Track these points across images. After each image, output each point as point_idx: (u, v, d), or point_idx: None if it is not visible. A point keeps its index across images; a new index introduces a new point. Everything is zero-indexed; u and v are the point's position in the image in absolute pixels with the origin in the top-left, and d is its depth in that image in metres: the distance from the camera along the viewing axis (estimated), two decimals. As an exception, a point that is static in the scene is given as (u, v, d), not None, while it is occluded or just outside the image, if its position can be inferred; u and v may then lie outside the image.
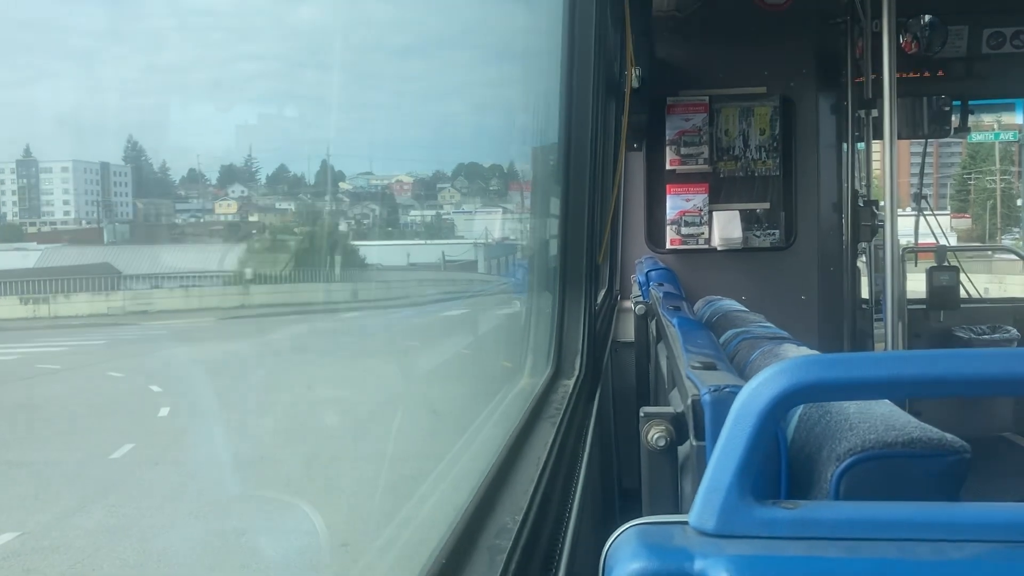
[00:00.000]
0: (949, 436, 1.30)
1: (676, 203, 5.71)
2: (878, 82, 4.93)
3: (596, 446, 2.69)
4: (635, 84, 3.79)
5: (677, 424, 1.64)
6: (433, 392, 2.64)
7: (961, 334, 5.89)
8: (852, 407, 1.43)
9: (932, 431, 1.31)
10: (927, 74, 5.60)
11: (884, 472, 1.29)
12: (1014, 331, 5.92)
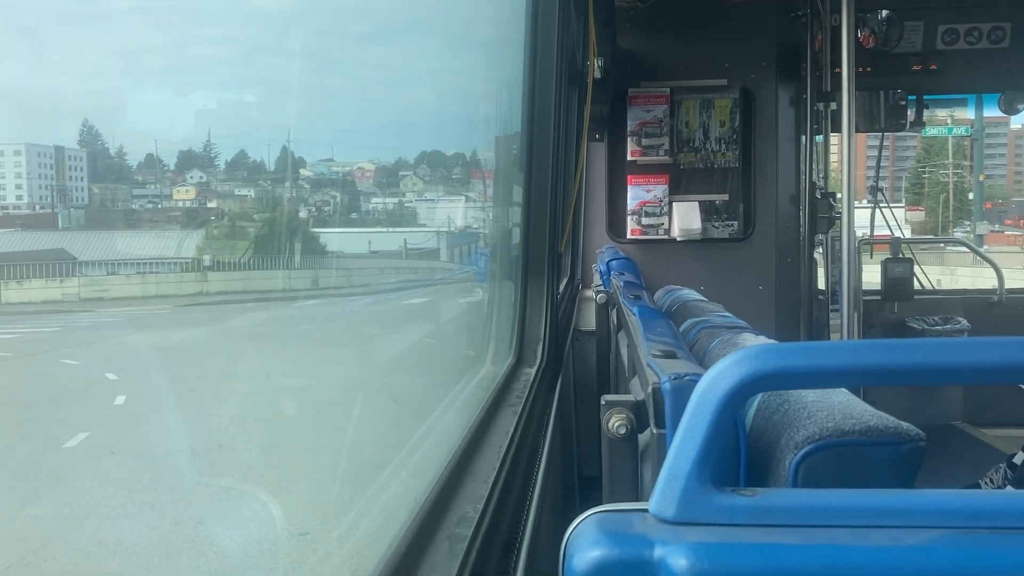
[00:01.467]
0: (904, 424, 1.33)
1: (637, 194, 5.74)
2: (837, 75, 4.99)
3: (557, 434, 2.71)
4: (597, 74, 3.80)
5: (637, 412, 1.65)
6: (394, 380, 2.64)
7: (914, 324, 6.00)
8: (810, 396, 1.45)
9: (888, 419, 1.34)
10: (885, 64, 5.68)
11: (841, 460, 1.32)
12: (964, 322, 6.04)
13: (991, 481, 4.68)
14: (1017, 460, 4.57)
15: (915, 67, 5.79)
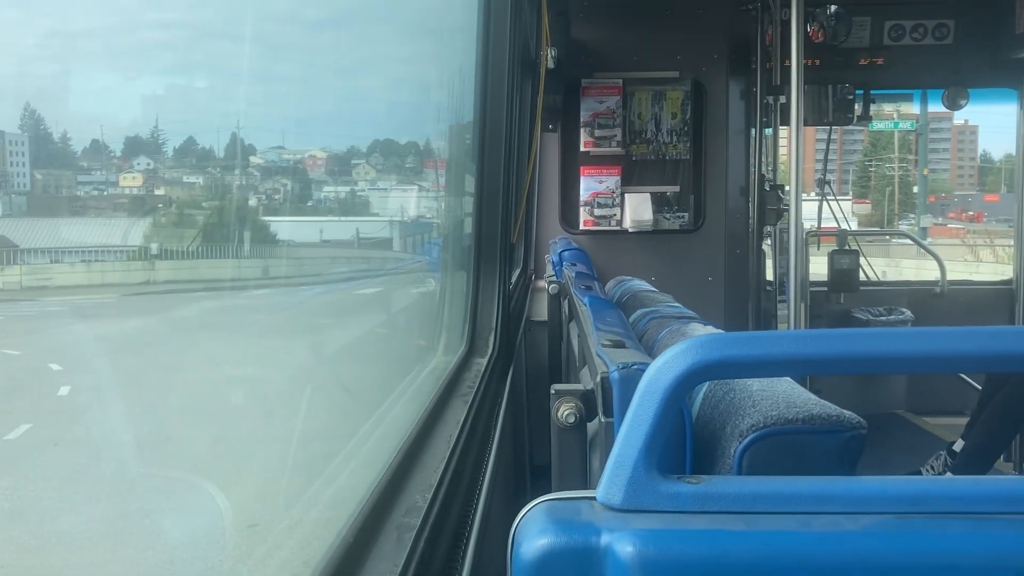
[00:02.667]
0: (847, 413, 1.35)
1: (590, 185, 5.77)
2: (786, 69, 5.05)
3: (508, 424, 2.72)
4: (551, 64, 3.80)
5: (586, 401, 1.66)
6: (346, 370, 2.62)
7: (859, 315, 6.11)
8: (755, 385, 1.48)
9: (831, 408, 1.36)
10: (834, 58, 5.76)
11: (785, 447, 1.34)
12: (908, 312, 6.16)
13: (932, 468, 4.80)
14: (956, 447, 4.69)
15: (862, 62, 5.89)
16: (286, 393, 2.46)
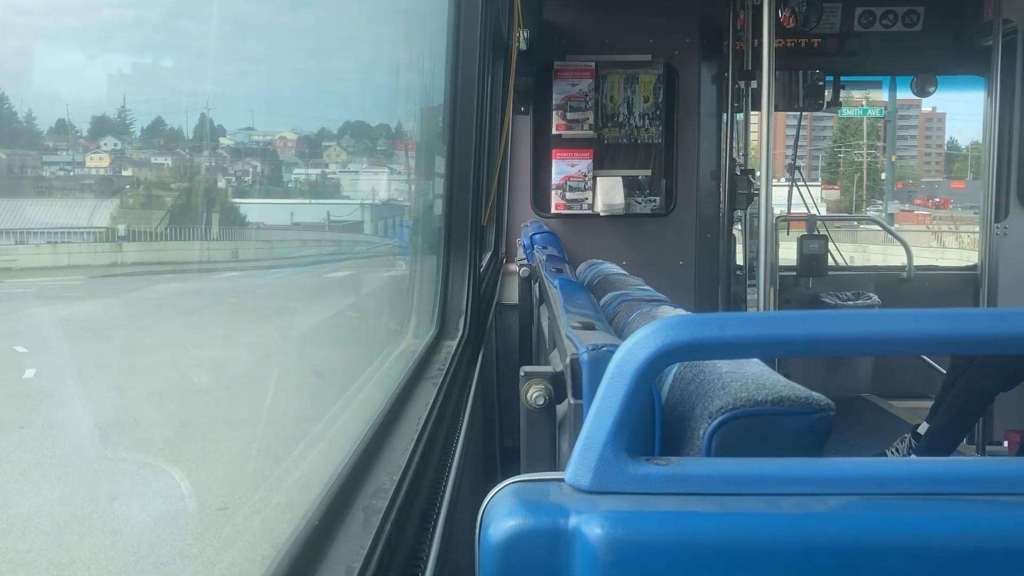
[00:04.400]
0: (815, 395, 1.36)
1: (561, 168, 5.76)
2: (758, 54, 5.06)
3: (478, 406, 2.72)
4: (522, 46, 3.78)
5: (556, 383, 1.66)
6: (315, 354, 2.60)
7: (828, 300, 6.17)
8: (724, 367, 1.48)
9: (800, 390, 1.37)
10: (804, 44, 5.79)
11: (754, 429, 1.35)
12: (875, 297, 6.23)
13: (897, 450, 4.87)
14: (921, 430, 4.75)
15: (833, 47, 5.93)
16: (255, 376, 2.45)
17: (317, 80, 2.85)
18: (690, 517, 1.07)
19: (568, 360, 1.59)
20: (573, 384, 1.58)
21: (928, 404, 4.93)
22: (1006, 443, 5.29)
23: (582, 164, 5.74)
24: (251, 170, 2.98)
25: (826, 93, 5.95)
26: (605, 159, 5.81)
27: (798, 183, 6.61)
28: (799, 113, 6.32)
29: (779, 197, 6.15)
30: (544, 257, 3.62)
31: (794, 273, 6.07)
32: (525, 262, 4.23)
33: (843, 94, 6.23)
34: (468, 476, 2.08)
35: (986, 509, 1.08)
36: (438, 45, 2.54)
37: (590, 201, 5.76)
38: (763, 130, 4.90)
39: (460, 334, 2.56)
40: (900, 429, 5.10)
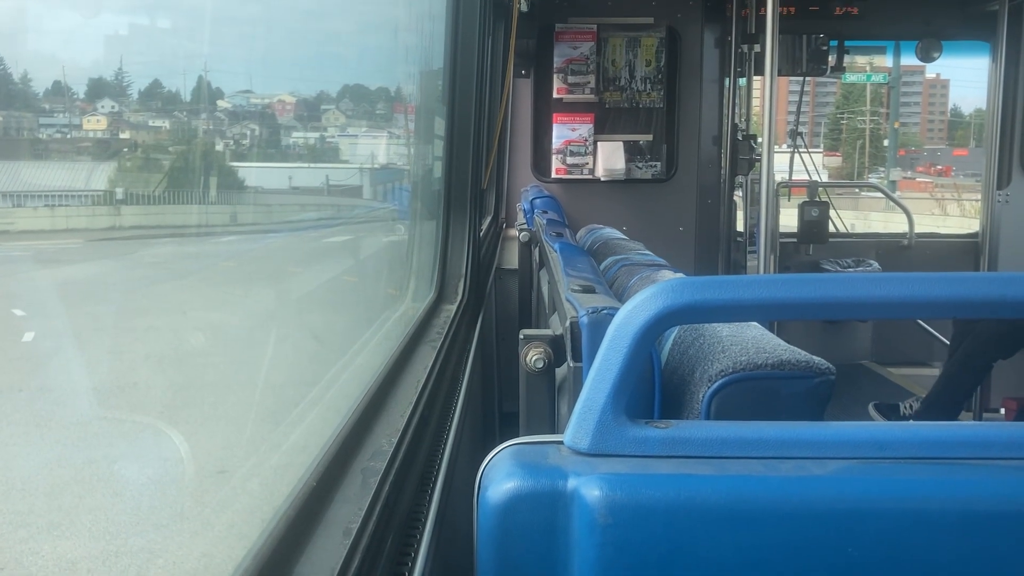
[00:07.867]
0: (816, 359, 1.36)
1: (562, 132, 5.73)
2: (761, 17, 5.01)
3: (477, 370, 2.72)
4: (524, 8, 3.74)
5: (555, 346, 1.66)
6: (314, 318, 2.60)
7: (828, 266, 6.16)
8: (724, 331, 1.48)
9: (800, 353, 1.37)
10: (809, 8, 5.72)
11: (754, 393, 1.34)
12: (876, 264, 6.22)
13: (910, 407, 4.90)
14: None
15: (837, 12, 5.86)
16: (255, 340, 2.45)
17: (316, 42, 2.82)
18: (689, 480, 1.06)
19: (568, 323, 1.58)
20: (573, 347, 1.57)
21: (927, 371, 4.95)
22: (1003, 410, 5.31)
23: (583, 128, 5.71)
24: (249, 133, 2.96)
25: (830, 58, 5.89)
26: (606, 123, 5.77)
27: (800, 149, 6.57)
28: (802, 78, 6.26)
29: (780, 163, 6.11)
30: (544, 221, 3.60)
31: (794, 240, 6.05)
32: (525, 226, 4.22)
33: (847, 59, 6.17)
34: (467, 439, 2.09)
35: (983, 473, 1.08)
36: (438, 5, 2.51)
37: (591, 166, 5.73)
38: (766, 95, 4.86)
39: (459, 298, 2.56)
40: (899, 396, 5.12)
